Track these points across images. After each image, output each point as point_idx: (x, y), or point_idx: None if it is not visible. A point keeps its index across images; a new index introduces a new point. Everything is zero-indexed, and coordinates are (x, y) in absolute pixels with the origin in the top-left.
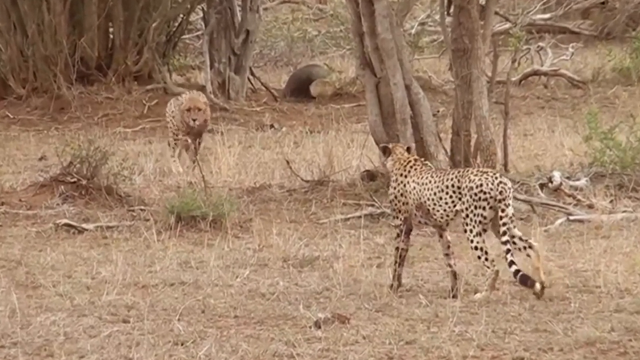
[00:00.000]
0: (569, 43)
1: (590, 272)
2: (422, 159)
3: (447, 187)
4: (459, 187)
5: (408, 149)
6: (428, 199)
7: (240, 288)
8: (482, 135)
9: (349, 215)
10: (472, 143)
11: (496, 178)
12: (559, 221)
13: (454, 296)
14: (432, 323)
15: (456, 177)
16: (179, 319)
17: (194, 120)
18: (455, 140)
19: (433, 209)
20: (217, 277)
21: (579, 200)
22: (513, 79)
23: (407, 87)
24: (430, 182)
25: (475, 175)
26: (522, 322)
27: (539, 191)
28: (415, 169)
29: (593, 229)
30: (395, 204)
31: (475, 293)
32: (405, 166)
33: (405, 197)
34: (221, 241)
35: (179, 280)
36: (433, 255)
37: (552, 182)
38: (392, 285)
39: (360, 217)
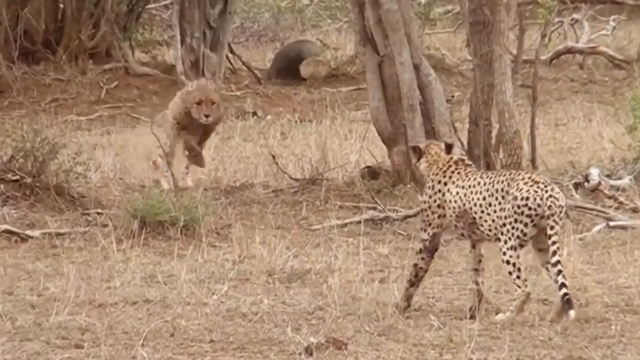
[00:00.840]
0: (610, 15)
1: (635, 288)
2: (465, 158)
3: (497, 190)
4: (507, 192)
5: (447, 148)
6: (474, 206)
7: (217, 307)
8: (506, 125)
9: (346, 221)
10: (494, 134)
11: (547, 191)
12: (597, 228)
13: (473, 317)
14: (445, 349)
15: (507, 180)
16: (142, 344)
17: (207, 116)
18: (474, 131)
19: (480, 217)
20: (189, 294)
21: (621, 202)
22: (543, 57)
23: (416, 67)
24: (477, 185)
25: (526, 183)
26: (552, 348)
27: (574, 192)
28: (458, 172)
29: (638, 237)
30: (427, 216)
31: (497, 314)
32: (445, 170)
33: (443, 208)
34: (194, 251)
35: (144, 297)
36: (447, 269)
37: (588, 182)
38: (398, 305)
39: (359, 222)
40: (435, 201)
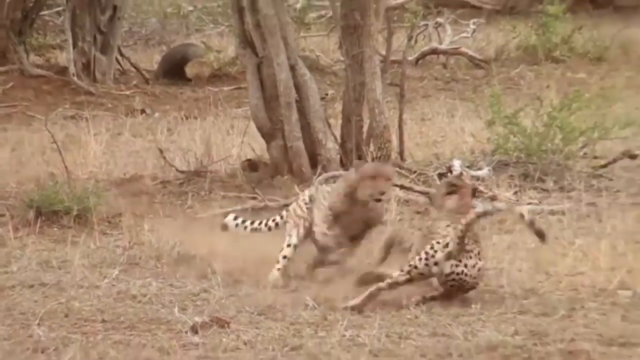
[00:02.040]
0: (470, 19)
1: (493, 270)
2: None
3: None
4: None
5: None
6: None
7: (108, 290)
8: (376, 121)
9: (228, 209)
10: (365, 129)
11: None
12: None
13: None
14: (320, 327)
15: None
16: (39, 324)
17: (382, 193)
18: (346, 126)
19: None
20: (82, 277)
21: (480, 191)
22: (409, 58)
23: (292, 68)
24: None
25: None
26: (418, 326)
27: (438, 182)
28: None
29: (496, 223)
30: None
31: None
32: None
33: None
34: (87, 238)
35: (39, 281)
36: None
37: (451, 172)
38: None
39: (241, 211)
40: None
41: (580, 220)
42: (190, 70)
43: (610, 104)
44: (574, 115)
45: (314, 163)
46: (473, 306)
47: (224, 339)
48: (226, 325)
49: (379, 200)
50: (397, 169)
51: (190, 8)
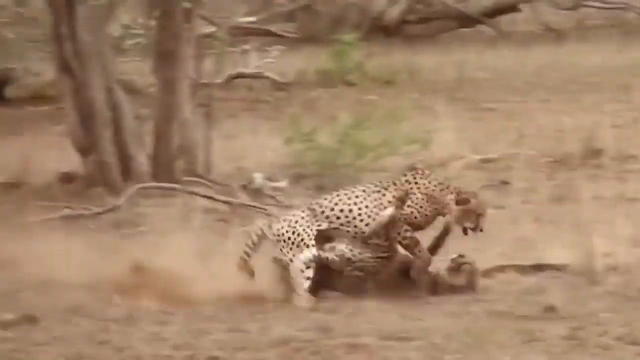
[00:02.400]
0: (273, 46)
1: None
2: None
3: None
4: None
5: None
6: None
7: None
8: (185, 138)
9: (45, 217)
10: (175, 145)
11: None
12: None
13: None
14: (125, 323)
15: None
16: None
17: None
18: (157, 143)
19: None
20: None
21: (278, 200)
22: (217, 81)
23: (108, 90)
24: None
25: None
26: (217, 322)
27: (241, 193)
28: None
29: None
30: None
31: None
32: None
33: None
34: None
35: None
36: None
37: (253, 184)
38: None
39: (57, 218)
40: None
41: None
42: (10, 91)
43: (397, 123)
44: (365, 133)
45: (127, 176)
46: (269, 304)
47: (34, 335)
48: (35, 322)
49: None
50: (203, 181)
51: (13, 35)
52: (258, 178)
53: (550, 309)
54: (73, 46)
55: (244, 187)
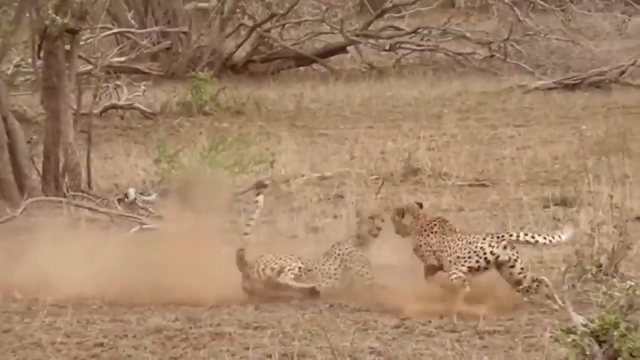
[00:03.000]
0: (141, 81)
1: None
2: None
3: None
4: None
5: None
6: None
7: None
8: (69, 159)
9: None
10: (61, 165)
11: None
12: (134, 229)
13: None
14: (25, 315)
15: None
16: None
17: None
18: (46, 163)
19: None
20: None
21: (150, 212)
22: (95, 111)
23: (4, 119)
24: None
25: None
26: (102, 314)
27: (117, 205)
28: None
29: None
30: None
31: None
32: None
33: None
34: None
35: None
36: None
37: (127, 197)
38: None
39: None
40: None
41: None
42: None
43: (247, 146)
44: (220, 155)
45: (21, 191)
46: (144, 297)
47: None
48: None
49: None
50: (85, 195)
51: None
52: (132, 192)
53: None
54: None
55: (120, 200)
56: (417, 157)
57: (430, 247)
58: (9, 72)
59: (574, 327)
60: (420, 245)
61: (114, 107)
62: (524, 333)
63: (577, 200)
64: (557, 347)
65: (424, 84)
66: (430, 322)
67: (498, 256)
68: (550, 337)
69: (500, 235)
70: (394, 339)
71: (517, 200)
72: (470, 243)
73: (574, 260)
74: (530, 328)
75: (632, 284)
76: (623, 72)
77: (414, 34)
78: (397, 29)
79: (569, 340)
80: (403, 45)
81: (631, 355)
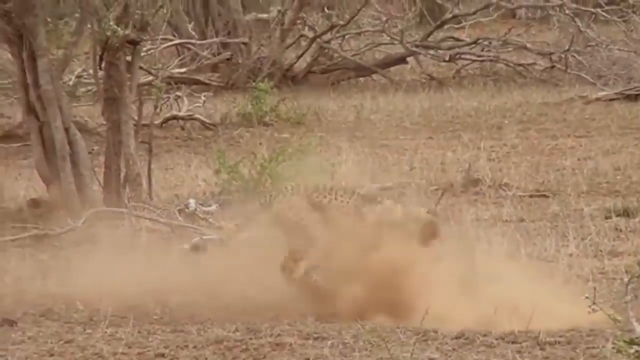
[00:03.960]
0: (202, 92)
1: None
2: None
3: None
4: None
5: None
6: None
7: None
8: (130, 170)
9: (17, 237)
10: (122, 176)
11: None
12: (195, 240)
13: None
14: (87, 325)
15: None
16: None
17: None
18: (107, 174)
19: None
20: None
21: (210, 222)
22: (156, 122)
23: (66, 130)
24: None
25: None
26: (163, 324)
27: (178, 215)
28: None
29: (219, 245)
30: None
31: None
32: None
33: None
34: None
35: None
36: None
37: (188, 208)
38: None
39: (26, 237)
40: None
41: None
42: None
43: (307, 157)
44: (280, 166)
45: (82, 202)
46: (204, 310)
47: (12, 335)
48: (14, 324)
49: None
50: (147, 206)
51: None
52: (192, 203)
53: None
54: (36, 92)
55: (181, 211)
56: (477, 167)
57: None
58: (71, 83)
59: (636, 337)
60: None
61: (175, 118)
62: (585, 344)
63: (639, 211)
64: (619, 358)
65: (484, 94)
66: (491, 332)
67: None
68: (613, 348)
69: None
70: (454, 349)
71: (579, 211)
72: None
73: (637, 270)
74: (591, 339)
75: None
76: None
77: (474, 45)
78: (457, 39)
79: (632, 351)
80: (463, 56)
81: None
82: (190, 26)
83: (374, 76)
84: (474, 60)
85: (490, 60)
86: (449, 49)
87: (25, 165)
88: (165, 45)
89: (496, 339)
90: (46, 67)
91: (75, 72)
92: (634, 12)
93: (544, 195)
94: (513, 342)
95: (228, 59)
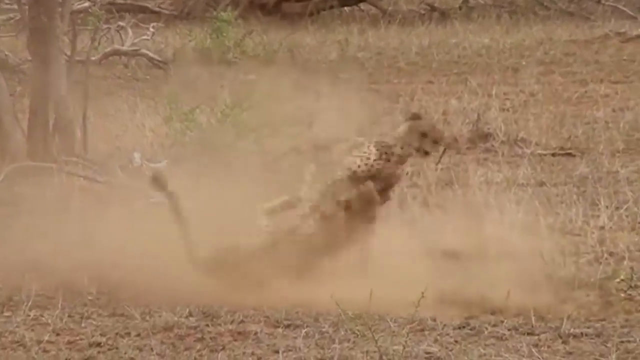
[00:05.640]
0: (150, 23)
1: None
2: None
3: None
4: None
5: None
6: None
7: None
8: (61, 116)
9: None
10: (51, 123)
11: None
12: (139, 203)
13: None
14: (6, 307)
15: None
16: None
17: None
18: (33, 121)
19: None
20: None
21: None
22: (93, 58)
23: None
24: None
25: None
26: (99, 307)
27: (119, 172)
28: None
29: None
30: None
31: None
32: None
33: None
34: None
35: None
36: None
37: (132, 164)
38: None
39: None
40: None
41: None
42: None
43: (279, 103)
44: (245, 113)
45: (2, 155)
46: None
47: None
48: None
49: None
50: (81, 160)
51: None
52: (137, 158)
53: None
54: None
55: (123, 168)
56: (488, 119)
57: None
58: None
59: None
60: None
61: (117, 53)
62: (618, 337)
63: None
64: None
65: (497, 29)
66: (502, 322)
67: None
68: None
69: None
70: (456, 342)
71: (613, 173)
72: None
73: None
74: (626, 331)
75: None
76: None
77: None
78: None
79: None
80: None
81: None
82: None
83: (362, 5)
84: None
85: None
86: None
87: None
88: None
89: (508, 330)
90: None
91: None
92: None
93: (570, 154)
94: (529, 334)
95: None
